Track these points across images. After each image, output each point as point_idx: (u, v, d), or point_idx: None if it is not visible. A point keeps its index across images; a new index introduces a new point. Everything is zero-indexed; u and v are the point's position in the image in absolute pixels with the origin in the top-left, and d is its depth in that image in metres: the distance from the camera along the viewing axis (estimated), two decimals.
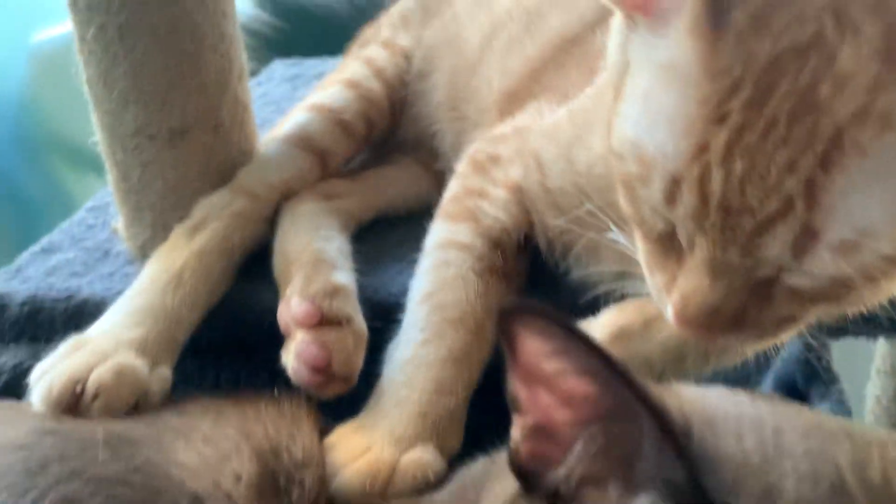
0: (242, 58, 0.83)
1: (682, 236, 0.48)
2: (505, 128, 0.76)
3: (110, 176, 0.83)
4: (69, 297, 0.77)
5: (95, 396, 0.58)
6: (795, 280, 0.46)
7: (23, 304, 0.77)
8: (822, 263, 0.44)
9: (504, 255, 0.70)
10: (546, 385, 0.41)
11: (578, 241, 0.66)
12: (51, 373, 0.59)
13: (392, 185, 0.88)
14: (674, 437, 0.37)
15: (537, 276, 0.73)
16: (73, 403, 0.57)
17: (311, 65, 1.28)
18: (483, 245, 0.70)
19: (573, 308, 0.66)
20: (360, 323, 0.67)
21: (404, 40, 0.94)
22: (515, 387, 0.42)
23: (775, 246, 0.44)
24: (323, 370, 0.63)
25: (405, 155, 0.91)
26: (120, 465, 0.50)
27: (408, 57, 0.93)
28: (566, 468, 0.41)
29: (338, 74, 0.93)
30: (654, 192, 0.47)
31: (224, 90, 0.81)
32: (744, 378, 1.32)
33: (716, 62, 0.44)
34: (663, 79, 0.47)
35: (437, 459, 0.59)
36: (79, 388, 0.58)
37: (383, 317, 0.70)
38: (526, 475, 0.42)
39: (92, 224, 0.92)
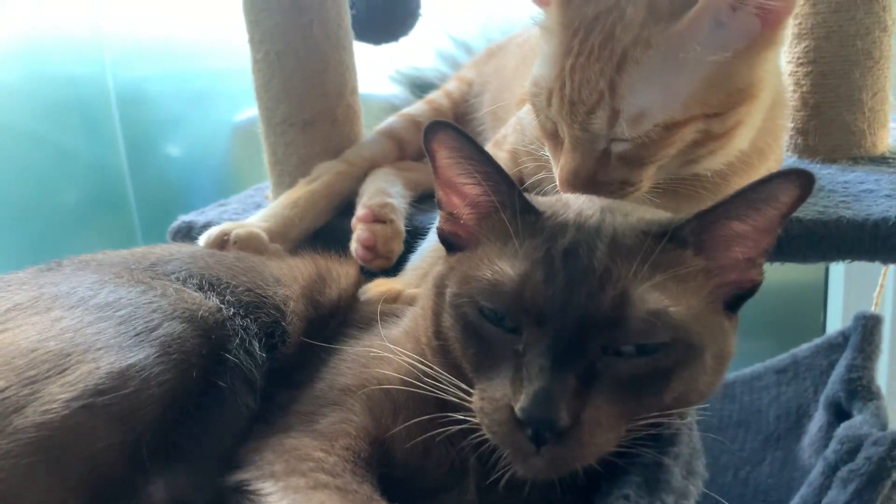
0: (355, 78, 1.24)
1: (560, 130, 0.81)
2: (513, 118, 1.11)
3: (265, 154, 1.26)
4: None
5: (234, 243, 0.97)
6: (618, 147, 0.78)
7: (203, 226, 1.18)
8: (624, 130, 0.75)
9: None
10: (455, 191, 0.74)
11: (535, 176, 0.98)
12: (210, 230, 0.99)
13: None
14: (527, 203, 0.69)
15: None
16: (220, 245, 0.97)
17: None
18: None
19: None
20: (400, 225, 1.03)
21: (471, 73, 1.34)
22: (439, 194, 0.75)
23: (597, 122, 0.76)
24: (371, 248, 0.99)
25: None
26: (241, 262, 0.88)
27: (471, 83, 1.32)
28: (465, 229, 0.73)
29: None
30: (542, 100, 0.81)
31: (340, 98, 1.22)
32: (805, 403, 1.54)
33: (567, 20, 0.78)
34: (546, 36, 0.81)
35: None
36: (225, 237, 0.97)
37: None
38: (446, 242, 0.75)
39: (252, 195, 1.36)
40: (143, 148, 2.68)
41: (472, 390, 0.66)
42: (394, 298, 0.90)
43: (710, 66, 0.73)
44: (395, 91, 2.03)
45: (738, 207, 0.65)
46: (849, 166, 1.15)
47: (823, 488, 1.22)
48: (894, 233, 0.90)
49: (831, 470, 1.23)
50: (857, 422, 1.27)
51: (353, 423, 0.70)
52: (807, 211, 0.96)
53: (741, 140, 0.80)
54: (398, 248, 1.01)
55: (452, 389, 0.66)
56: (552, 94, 0.79)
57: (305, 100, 1.20)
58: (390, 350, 0.73)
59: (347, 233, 1.10)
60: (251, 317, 0.78)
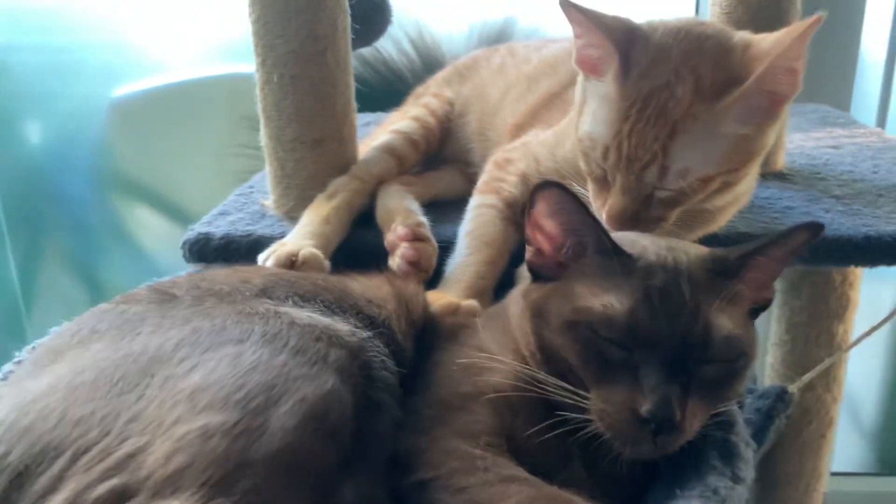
0: (354, 97, 1.36)
1: (610, 177, 1.01)
2: (515, 143, 1.29)
3: (269, 168, 1.34)
4: (249, 235, 1.27)
5: (303, 263, 1.08)
6: (661, 194, 0.99)
7: (220, 238, 1.26)
8: (671, 182, 0.97)
9: (514, 213, 1.22)
10: (541, 232, 0.91)
11: None
12: (278, 251, 1.09)
13: (442, 181, 1.41)
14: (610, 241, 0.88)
15: None
16: (289, 265, 1.07)
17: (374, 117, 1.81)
18: (503, 205, 1.22)
19: None
20: (434, 242, 1.18)
21: (448, 92, 1.49)
22: (528, 232, 0.92)
23: (650, 175, 0.97)
24: (415, 264, 1.14)
25: (449, 164, 1.45)
26: (328, 283, 0.99)
27: (451, 103, 1.48)
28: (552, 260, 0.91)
29: (404, 114, 1.47)
30: (597, 154, 1.00)
31: (345, 117, 1.33)
32: None
33: (624, 93, 0.98)
34: (601, 102, 1.00)
35: (479, 308, 1.09)
36: (293, 258, 1.08)
37: (442, 247, 1.21)
38: (533, 271, 0.93)
39: (244, 202, 1.43)
40: (5, 125, 2.52)
41: (581, 392, 0.85)
42: (454, 310, 1.06)
43: (738, 135, 0.96)
44: None
45: (770, 248, 0.88)
46: (761, 182, 1.44)
47: None
48: (823, 246, 1.20)
49: None
50: None
51: (486, 424, 0.86)
52: (753, 226, 1.23)
53: (744, 185, 1.04)
54: (434, 262, 1.17)
55: (564, 392, 0.85)
56: (608, 150, 0.99)
57: (316, 120, 1.30)
58: (497, 360, 0.90)
59: (364, 245, 1.23)
60: (378, 337, 0.91)
